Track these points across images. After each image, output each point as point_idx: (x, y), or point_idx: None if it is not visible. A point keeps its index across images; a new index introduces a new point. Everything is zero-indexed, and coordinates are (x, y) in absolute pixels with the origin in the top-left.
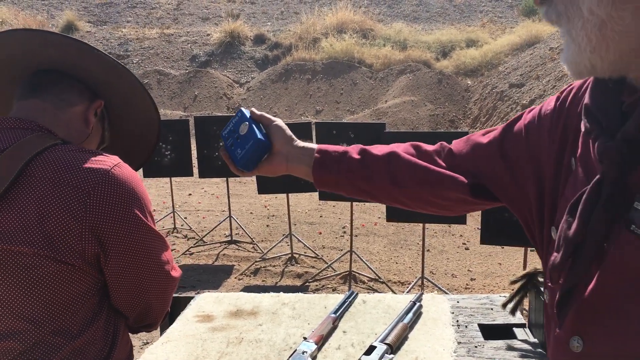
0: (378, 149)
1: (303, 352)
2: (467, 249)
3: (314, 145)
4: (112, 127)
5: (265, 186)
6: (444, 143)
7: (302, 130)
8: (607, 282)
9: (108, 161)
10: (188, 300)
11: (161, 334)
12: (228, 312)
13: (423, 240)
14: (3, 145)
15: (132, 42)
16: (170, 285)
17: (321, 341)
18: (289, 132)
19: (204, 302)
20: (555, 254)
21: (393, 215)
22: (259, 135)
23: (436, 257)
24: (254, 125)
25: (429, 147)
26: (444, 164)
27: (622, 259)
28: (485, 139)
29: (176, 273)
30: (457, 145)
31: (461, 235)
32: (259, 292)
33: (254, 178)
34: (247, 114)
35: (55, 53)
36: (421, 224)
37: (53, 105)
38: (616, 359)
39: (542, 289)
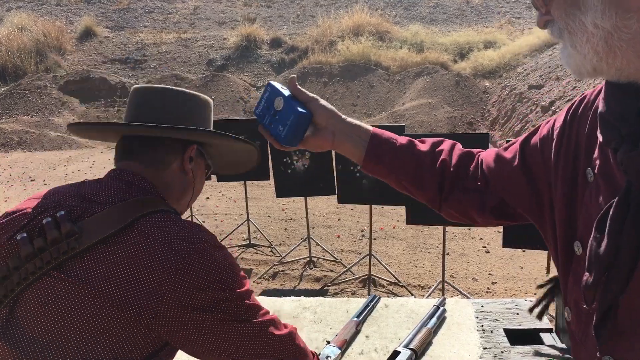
0: (433, 157)
1: (327, 357)
2: (487, 252)
3: (367, 127)
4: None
5: (283, 189)
6: (478, 154)
7: None
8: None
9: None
10: None
11: None
12: None
13: (443, 243)
14: (114, 195)
15: (149, 47)
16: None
17: (344, 345)
18: (332, 107)
19: None
20: (586, 274)
21: (412, 219)
22: (300, 109)
23: (456, 261)
24: (290, 99)
25: (472, 163)
26: (479, 183)
27: None
28: (508, 155)
29: (280, 330)
30: (486, 159)
31: (481, 239)
32: (277, 295)
33: (271, 182)
34: (279, 87)
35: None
36: (441, 227)
37: (153, 167)
38: None
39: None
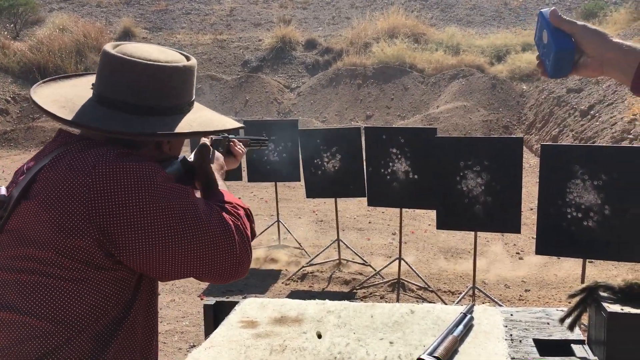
0: None
1: None
2: (521, 258)
3: (636, 50)
4: None
5: (313, 190)
6: None
7: (350, 136)
8: None
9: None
10: (233, 305)
11: (206, 338)
12: (272, 319)
13: (475, 248)
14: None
15: (186, 48)
16: (214, 236)
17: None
18: (601, 34)
19: (248, 307)
20: None
21: (444, 223)
22: (561, 43)
23: (488, 267)
24: (552, 33)
25: None
26: None
27: None
28: None
29: (227, 213)
30: None
31: (514, 244)
32: (305, 297)
33: (302, 183)
34: (546, 16)
35: None
36: (473, 232)
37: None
38: None
39: (603, 304)
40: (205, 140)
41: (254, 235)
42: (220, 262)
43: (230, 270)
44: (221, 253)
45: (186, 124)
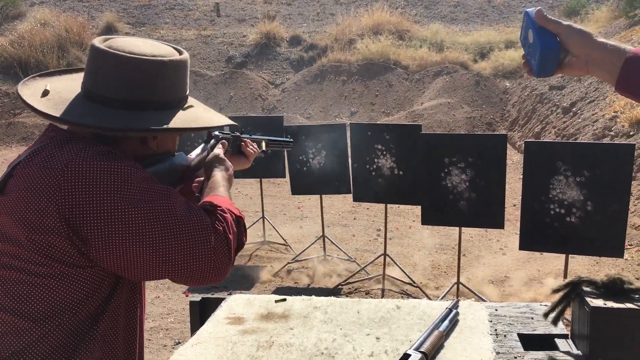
0: None
1: None
2: (504, 254)
3: (623, 51)
4: None
5: (298, 187)
6: None
7: (336, 132)
8: None
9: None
10: (219, 301)
11: (192, 335)
12: (259, 315)
13: (459, 244)
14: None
15: (169, 43)
16: (196, 233)
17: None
18: (586, 33)
19: (234, 303)
20: None
21: (429, 219)
22: (546, 42)
23: (472, 263)
24: (537, 32)
25: None
26: None
27: None
28: None
29: (207, 214)
30: None
31: (498, 240)
32: (291, 294)
33: (287, 180)
34: (532, 16)
35: None
36: (457, 228)
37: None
38: None
39: (586, 298)
40: (219, 152)
41: (241, 245)
42: (194, 265)
43: (205, 274)
44: (196, 256)
45: (173, 120)
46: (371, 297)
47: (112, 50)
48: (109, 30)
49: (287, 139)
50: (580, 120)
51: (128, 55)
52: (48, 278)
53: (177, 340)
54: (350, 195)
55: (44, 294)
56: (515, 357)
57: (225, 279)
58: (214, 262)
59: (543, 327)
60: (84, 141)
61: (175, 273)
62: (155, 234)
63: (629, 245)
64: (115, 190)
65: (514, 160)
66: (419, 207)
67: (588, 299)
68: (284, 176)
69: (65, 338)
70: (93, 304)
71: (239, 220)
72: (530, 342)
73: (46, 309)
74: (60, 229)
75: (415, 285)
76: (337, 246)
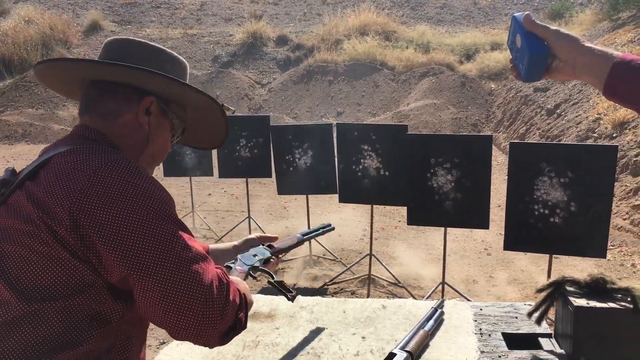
0: None
1: (254, 255)
2: (489, 254)
3: (610, 56)
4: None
5: (284, 187)
6: None
7: (322, 132)
8: None
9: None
10: None
11: None
12: None
13: (445, 244)
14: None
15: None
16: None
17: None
18: (573, 37)
19: None
20: None
21: (414, 219)
22: (534, 47)
23: (457, 262)
24: (525, 37)
25: None
26: None
27: None
28: None
29: (208, 279)
30: None
31: (483, 241)
32: (275, 293)
33: (273, 179)
34: (520, 21)
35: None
36: (442, 229)
37: (102, 118)
38: None
39: (569, 298)
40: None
41: (241, 324)
42: (184, 299)
43: (192, 315)
44: (190, 289)
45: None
46: (357, 297)
47: (132, 39)
48: (94, 28)
49: (328, 227)
50: (564, 121)
51: (147, 42)
52: (51, 260)
53: (162, 340)
54: (336, 195)
55: (45, 273)
56: (500, 356)
57: (211, 347)
58: (205, 303)
59: (527, 327)
60: (115, 151)
61: (165, 307)
62: (160, 260)
63: (612, 245)
64: (132, 206)
65: (499, 161)
66: (405, 207)
67: (571, 299)
68: (270, 176)
69: (62, 319)
70: (93, 290)
71: (246, 299)
72: (515, 341)
73: (42, 288)
74: (70, 222)
75: (401, 285)
76: (323, 246)
